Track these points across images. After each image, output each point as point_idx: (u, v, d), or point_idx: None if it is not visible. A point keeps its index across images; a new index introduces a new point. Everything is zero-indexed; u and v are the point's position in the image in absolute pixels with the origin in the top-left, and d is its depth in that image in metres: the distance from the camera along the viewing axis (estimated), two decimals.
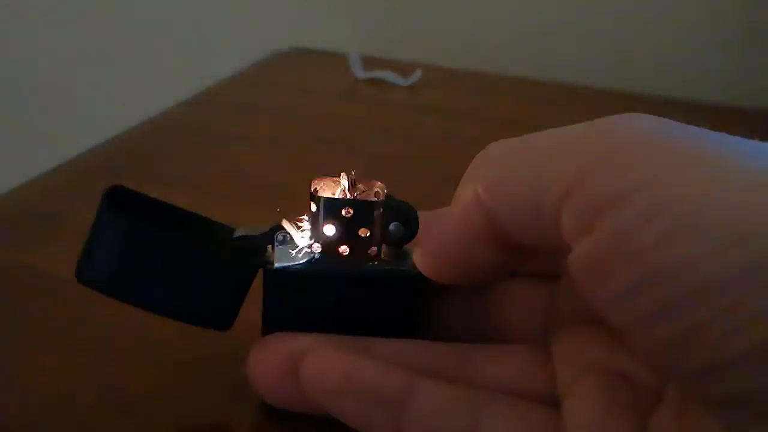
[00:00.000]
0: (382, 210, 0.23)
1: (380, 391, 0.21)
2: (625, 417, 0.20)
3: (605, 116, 0.20)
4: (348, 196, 0.23)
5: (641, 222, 0.17)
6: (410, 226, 0.23)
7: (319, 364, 0.22)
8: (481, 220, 0.21)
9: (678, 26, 0.64)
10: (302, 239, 0.23)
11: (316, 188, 0.23)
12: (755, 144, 0.19)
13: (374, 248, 0.23)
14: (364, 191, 0.24)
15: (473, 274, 0.23)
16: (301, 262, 0.23)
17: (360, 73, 0.60)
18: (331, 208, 0.23)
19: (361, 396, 0.21)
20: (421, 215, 0.24)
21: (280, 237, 0.24)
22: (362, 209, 0.23)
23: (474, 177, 0.21)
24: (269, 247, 0.24)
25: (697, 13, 0.63)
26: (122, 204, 0.23)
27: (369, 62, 0.61)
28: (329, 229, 0.23)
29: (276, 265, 0.23)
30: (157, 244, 0.23)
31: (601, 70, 0.65)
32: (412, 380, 0.22)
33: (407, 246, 0.24)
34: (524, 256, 0.22)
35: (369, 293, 0.24)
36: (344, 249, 0.23)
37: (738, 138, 0.19)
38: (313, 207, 0.23)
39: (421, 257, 0.23)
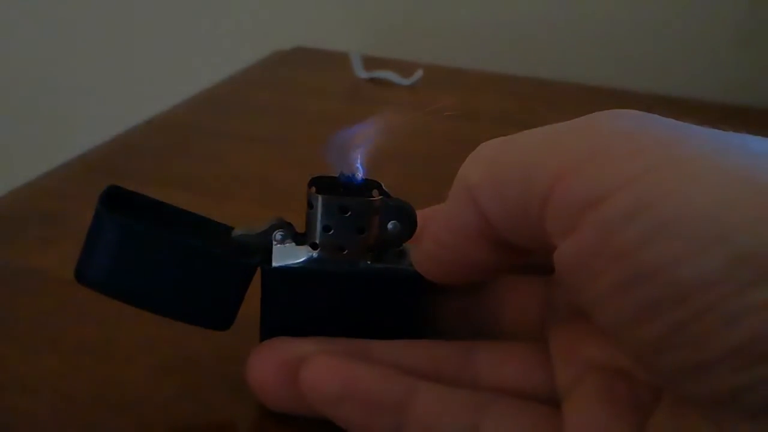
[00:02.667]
0: (380, 208, 0.23)
1: (380, 397, 0.21)
2: (624, 417, 0.20)
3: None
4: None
5: (622, 222, 0.17)
6: (408, 224, 0.23)
7: (318, 371, 0.22)
8: (473, 219, 0.21)
9: (677, 24, 0.64)
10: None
11: (314, 186, 0.23)
12: (740, 137, 0.18)
13: (372, 246, 0.23)
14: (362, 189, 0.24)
15: (469, 274, 0.23)
16: (300, 260, 0.23)
17: (361, 73, 0.60)
18: (329, 206, 0.23)
19: (360, 403, 0.21)
20: (417, 214, 0.24)
21: (278, 236, 0.24)
22: (360, 207, 0.23)
23: (465, 176, 0.21)
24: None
25: (695, 11, 0.63)
26: (119, 204, 0.23)
27: (370, 62, 0.61)
28: (327, 228, 0.23)
29: (274, 264, 0.23)
30: (155, 244, 0.23)
31: (602, 68, 0.65)
32: (412, 384, 0.22)
33: (405, 244, 0.24)
34: (519, 255, 0.22)
35: (367, 292, 0.24)
36: (342, 248, 0.23)
37: (723, 132, 0.19)
38: (311, 205, 0.23)
39: (417, 257, 0.23)
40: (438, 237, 0.22)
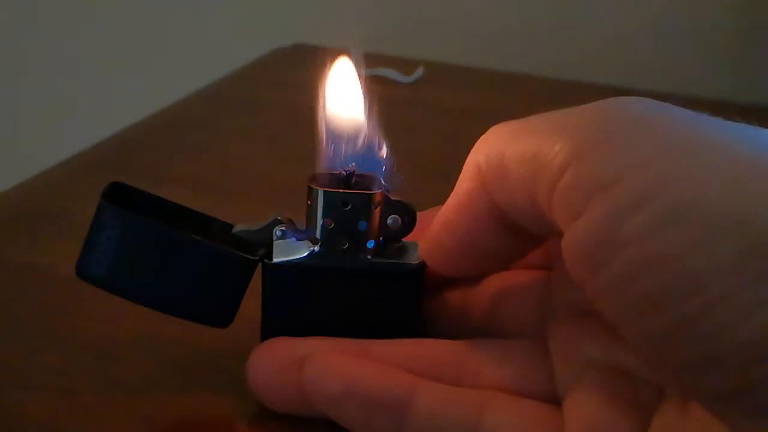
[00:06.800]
0: (380, 202, 0.23)
1: (381, 397, 0.21)
2: (626, 414, 0.20)
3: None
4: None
5: (632, 207, 0.16)
6: (408, 219, 0.23)
7: (320, 370, 0.22)
8: (483, 201, 0.21)
9: (680, 22, 0.64)
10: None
11: (314, 181, 0.23)
12: (749, 129, 0.18)
13: (373, 241, 0.23)
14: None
15: (477, 263, 0.23)
16: (300, 256, 0.23)
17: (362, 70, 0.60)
18: (330, 200, 0.23)
19: (362, 402, 0.21)
20: (426, 213, 0.24)
21: (278, 232, 0.24)
22: (360, 201, 0.23)
23: (475, 158, 0.21)
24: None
25: (699, 9, 0.62)
26: (121, 201, 0.23)
27: (371, 59, 0.61)
28: (328, 222, 0.23)
29: (275, 259, 0.23)
30: (156, 240, 0.23)
31: (605, 66, 0.65)
32: (413, 383, 0.22)
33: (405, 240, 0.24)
34: (528, 242, 0.22)
35: (368, 287, 0.24)
36: (343, 242, 0.23)
37: (732, 123, 0.18)
38: (312, 200, 0.23)
39: (425, 245, 0.23)
40: (447, 221, 0.22)
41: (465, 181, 0.21)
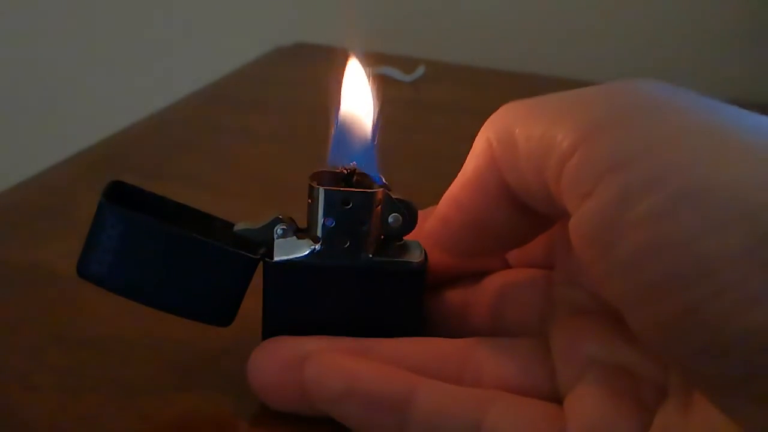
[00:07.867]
0: (381, 200, 0.23)
1: (383, 395, 0.21)
2: (628, 411, 0.20)
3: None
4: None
5: (643, 189, 0.16)
6: (409, 217, 0.23)
7: (322, 368, 0.22)
8: (492, 177, 0.21)
9: (683, 21, 0.64)
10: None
11: (315, 180, 0.23)
12: (763, 117, 0.18)
13: (374, 240, 0.23)
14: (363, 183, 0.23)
15: (482, 242, 0.22)
16: (301, 255, 0.23)
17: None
18: (331, 199, 0.22)
19: (363, 400, 0.21)
20: (426, 211, 0.24)
21: (279, 230, 0.24)
22: (362, 200, 0.23)
23: (485, 134, 0.21)
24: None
25: (704, 8, 0.62)
26: (122, 199, 0.23)
27: (371, 58, 0.61)
28: (329, 221, 0.23)
29: (276, 258, 0.23)
30: (157, 239, 0.23)
31: (605, 65, 0.65)
32: (414, 382, 0.22)
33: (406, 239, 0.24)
34: (532, 224, 0.22)
35: (369, 285, 0.24)
36: (344, 241, 0.23)
37: (746, 111, 0.18)
38: (313, 199, 0.23)
39: (431, 224, 0.23)
40: (455, 197, 0.22)
41: (474, 158, 0.21)
